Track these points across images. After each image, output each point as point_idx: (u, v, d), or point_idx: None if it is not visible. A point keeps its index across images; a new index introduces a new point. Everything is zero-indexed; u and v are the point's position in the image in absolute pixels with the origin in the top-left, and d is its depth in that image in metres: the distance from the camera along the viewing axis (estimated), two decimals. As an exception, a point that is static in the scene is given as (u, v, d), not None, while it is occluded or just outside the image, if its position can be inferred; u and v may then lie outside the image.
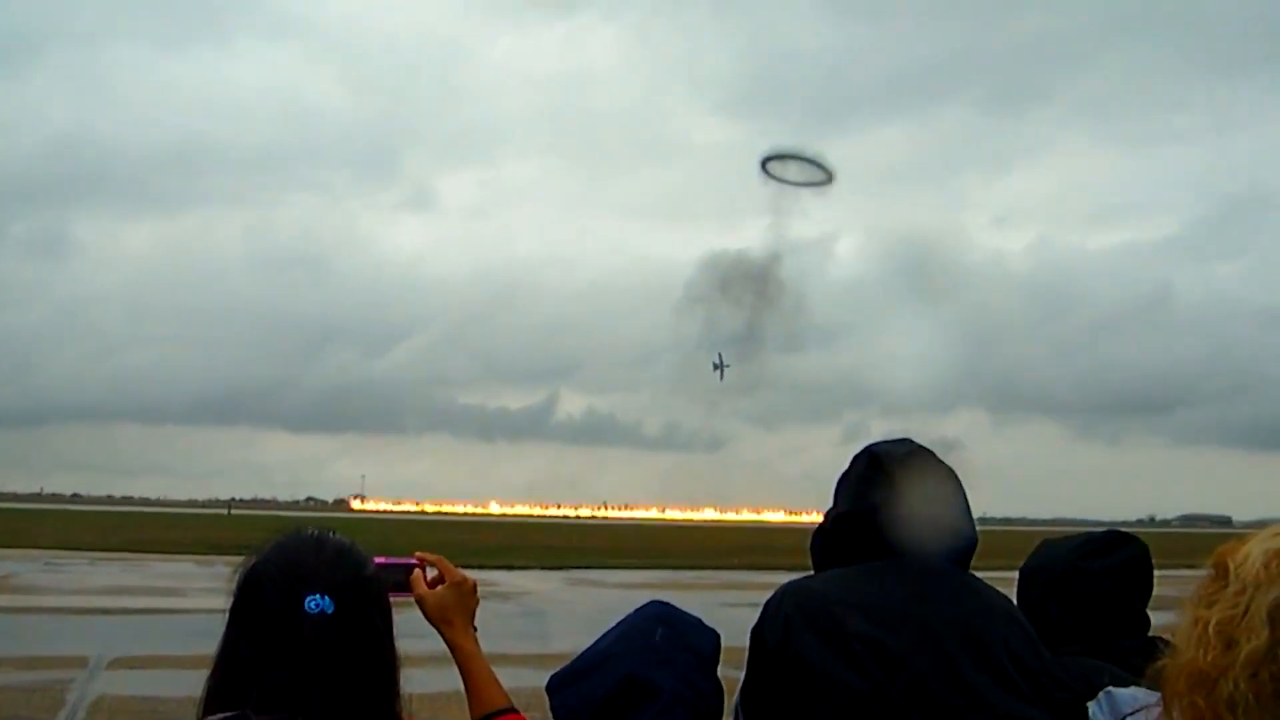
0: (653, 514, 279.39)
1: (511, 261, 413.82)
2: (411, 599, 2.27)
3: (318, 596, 1.85)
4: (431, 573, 2.32)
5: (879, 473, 2.35)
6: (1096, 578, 2.66)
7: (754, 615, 2.22)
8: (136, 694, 12.74)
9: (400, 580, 2.26)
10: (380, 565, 2.02)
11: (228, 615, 1.92)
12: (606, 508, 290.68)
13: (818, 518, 2.45)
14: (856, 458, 2.43)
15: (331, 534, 1.97)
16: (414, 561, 2.32)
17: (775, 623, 2.21)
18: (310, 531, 1.97)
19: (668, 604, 2.28)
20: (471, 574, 2.33)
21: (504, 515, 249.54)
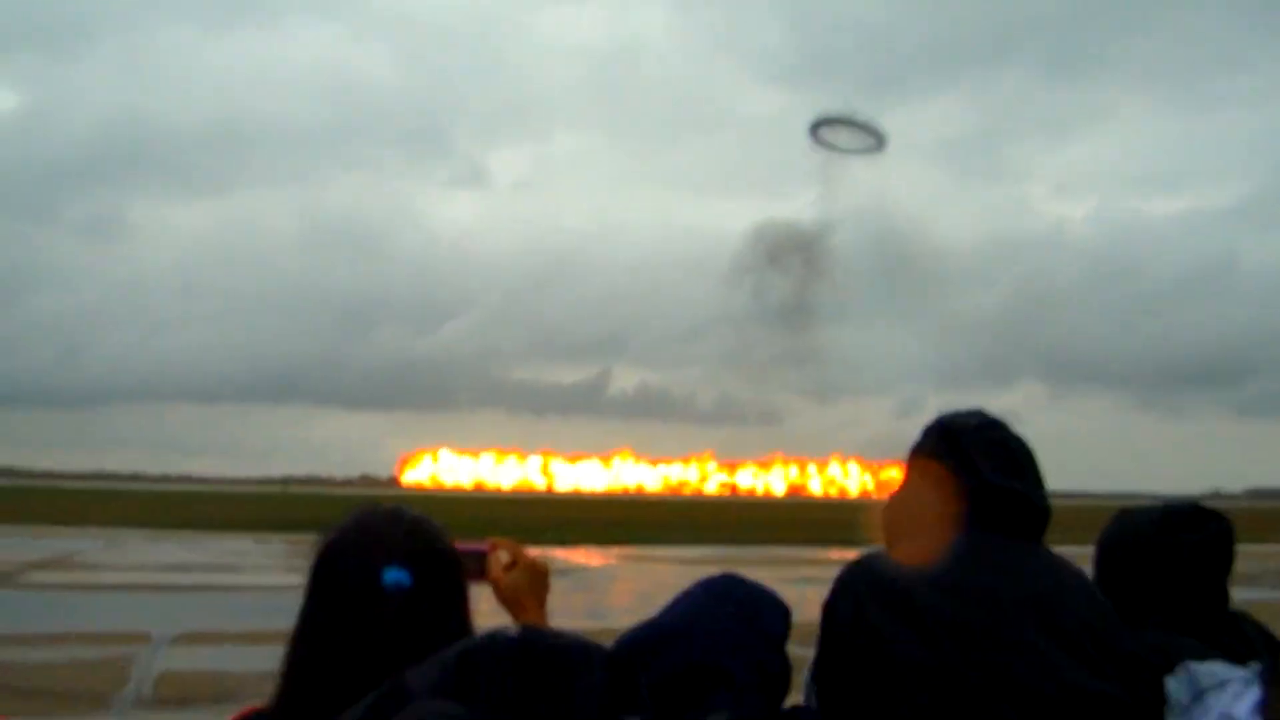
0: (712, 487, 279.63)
1: (562, 235, 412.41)
2: (486, 583, 2.27)
3: (394, 569, 1.87)
4: (504, 557, 2.33)
5: (950, 444, 2.33)
6: (1181, 551, 2.62)
7: (823, 592, 2.20)
8: (201, 669, 12.98)
9: (475, 566, 2.26)
10: (454, 547, 2.03)
11: (306, 589, 1.93)
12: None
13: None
14: (927, 429, 2.41)
15: (407, 508, 1.99)
16: (486, 548, 2.33)
17: (847, 597, 2.20)
18: (386, 507, 1.99)
19: (738, 577, 2.22)
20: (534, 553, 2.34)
21: (556, 490, 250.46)
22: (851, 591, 2.20)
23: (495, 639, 1.43)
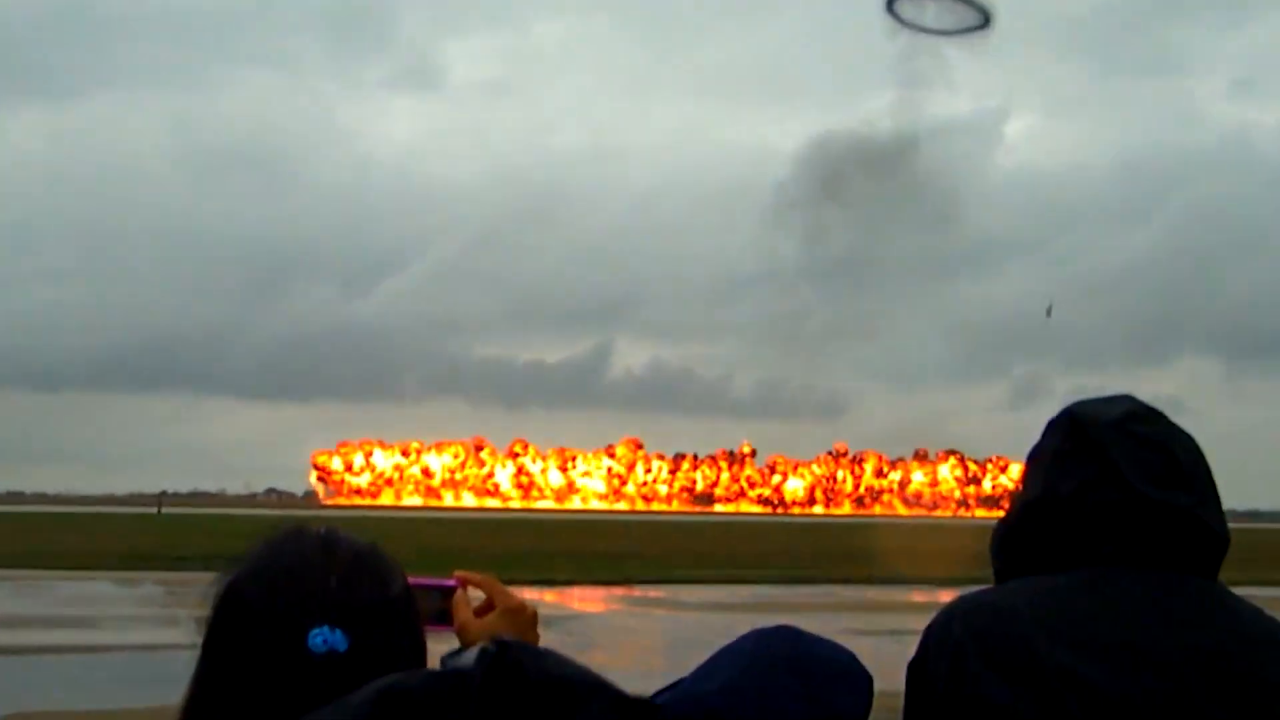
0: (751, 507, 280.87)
1: (545, 160, 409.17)
2: (451, 631, 2.25)
3: (326, 629, 1.77)
4: (477, 597, 2.31)
5: (1085, 444, 2.34)
6: None
7: (903, 648, 2.22)
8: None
9: (436, 608, 2.23)
10: (410, 588, 1.93)
11: (200, 653, 1.84)
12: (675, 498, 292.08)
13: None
14: (1053, 424, 2.42)
15: (343, 534, 1.90)
16: (453, 583, 2.30)
17: (943, 654, 2.22)
18: (315, 532, 1.89)
19: (798, 632, 2.20)
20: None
21: (536, 510, 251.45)
22: (949, 644, 2.22)
23: (443, 677, 1.41)
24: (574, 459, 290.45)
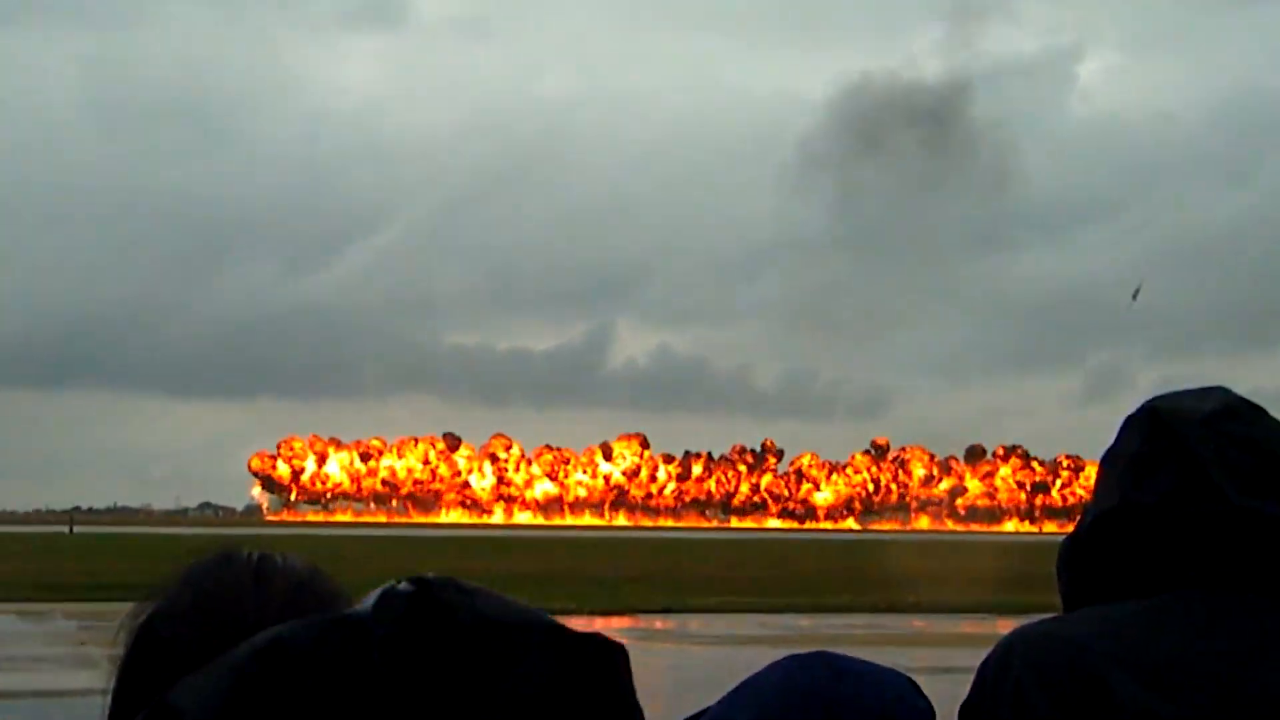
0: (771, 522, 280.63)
1: (530, 110, 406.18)
2: None
3: None
4: None
5: (1169, 446, 2.34)
6: None
7: (955, 688, 2.22)
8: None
9: None
10: None
11: (109, 701, 1.85)
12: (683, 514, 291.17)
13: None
14: (1132, 422, 2.42)
15: (280, 560, 1.91)
16: None
17: (1000, 694, 2.23)
18: (246, 558, 1.90)
19: (838, 664, 2.19)
20: None
21: (522, 526, 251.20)
22: (1007, 682, 2.23)
23: (339, 625, 1.39)
24: (566, 462, 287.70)
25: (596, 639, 1.42)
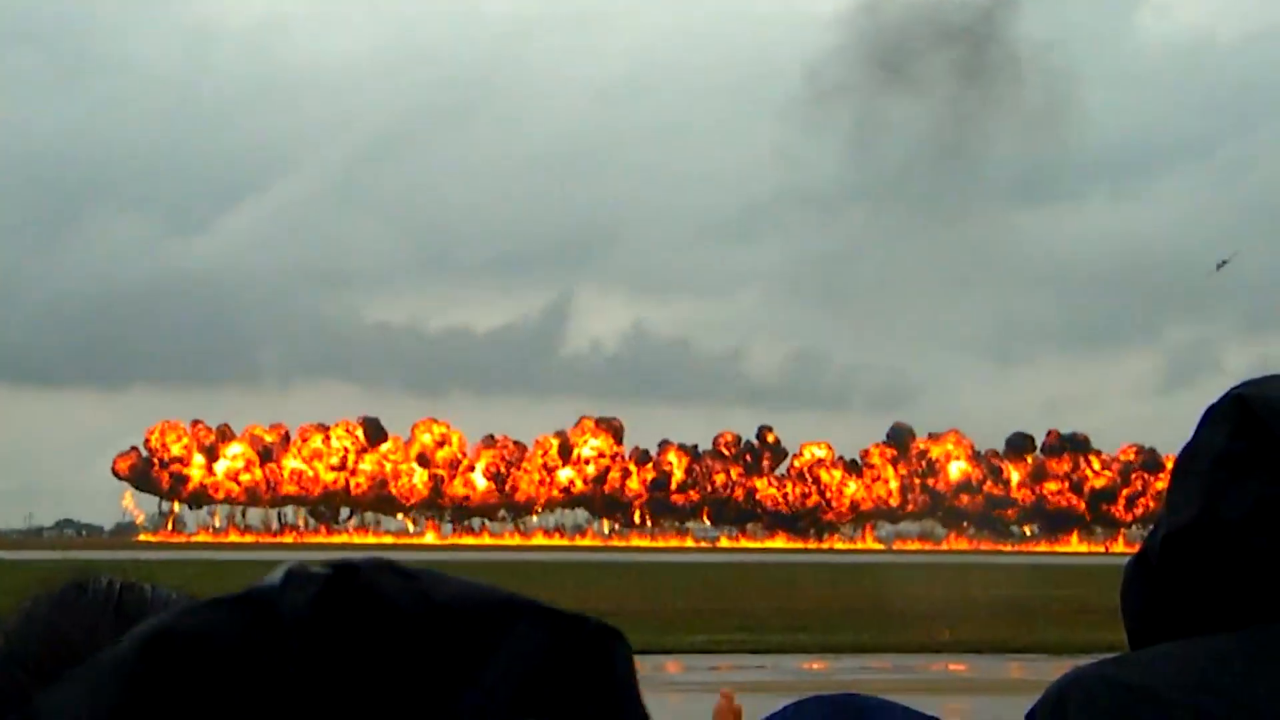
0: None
1: (472, 33, 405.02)
2: None
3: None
4: None
5: (1261, 442, 2.34)
6: None
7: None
8: None
9: None
10: None
11: None
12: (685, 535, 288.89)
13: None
14: (1215, 413, 2.42)
15: (148, 590, 1.90)
16: None
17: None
18: (105, 587, 1.89)
19: (863, 701, 2.21)
20: None
21: (460, 545, 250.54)
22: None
23: (240, 608, 1.37)
24: (513, 456, 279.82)
25: (590, 621, 1.40)
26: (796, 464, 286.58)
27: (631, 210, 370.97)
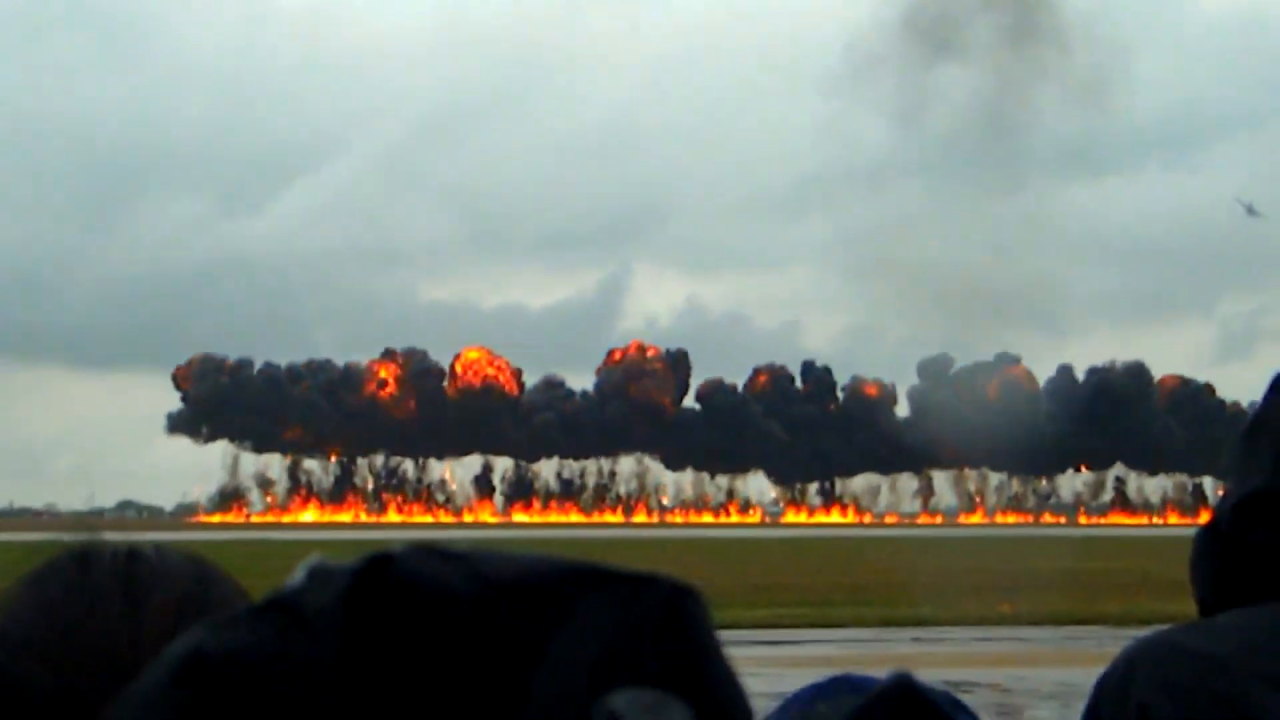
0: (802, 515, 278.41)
1: (519, 9, 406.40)
2: None
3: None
4: None
5: None
6: None
7: (1067, 715, 2.22)
8: None
9: None
10: None
11: None
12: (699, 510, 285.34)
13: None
14: (1277, 385, 2.41)
15: (155, 557, 1.85)
16: None
17: (1126, 703, 2.26)
18: (110, 559, 1.83)
19: (860, 681, 2.21)
20: None
21: (502, 522, 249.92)
22: (1129, 706, 2.26)
23: (284, 627, 1.29)
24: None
25: (662, 582, 1.35)
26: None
27: (683, 187, 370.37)
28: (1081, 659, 30.14)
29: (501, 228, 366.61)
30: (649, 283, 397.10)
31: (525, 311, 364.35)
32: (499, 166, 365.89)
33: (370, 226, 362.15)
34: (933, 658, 34.52)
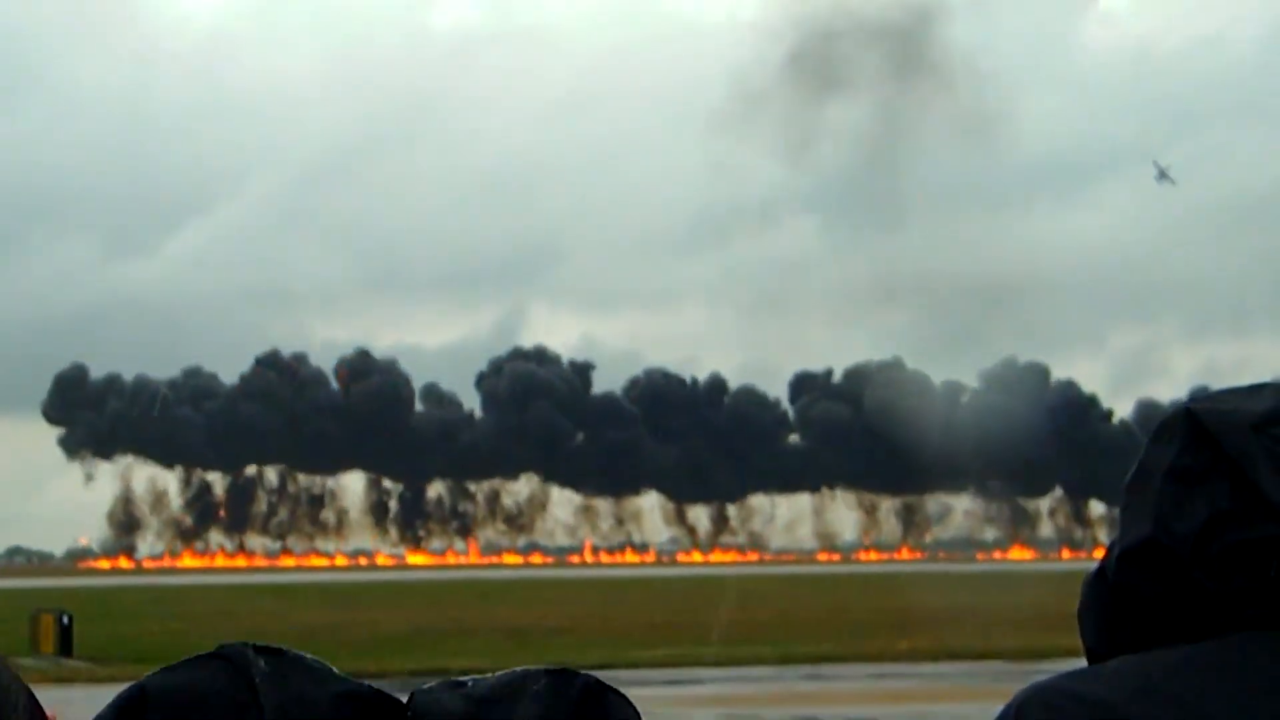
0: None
1: (418, 49, 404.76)
2: None
3: None
4: None
5: (1212, 457, 2.34)
6: None
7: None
8: None
9: None
10: None
11: None
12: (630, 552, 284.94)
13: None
14: (1165, 428, 2.40)
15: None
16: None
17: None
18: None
19: None
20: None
21: (414, 567, 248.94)
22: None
23: None
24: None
25: (578, 678, 1.41)
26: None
27: (579, 226, 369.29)
28: (978, 695, 30.29)
29: (396, 267, 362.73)
30: (544, 321, 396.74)
31: (421, 351, 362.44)
32: (393, 206, 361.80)
33: (263, 267, 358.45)
34: (831, 695, 34.59)
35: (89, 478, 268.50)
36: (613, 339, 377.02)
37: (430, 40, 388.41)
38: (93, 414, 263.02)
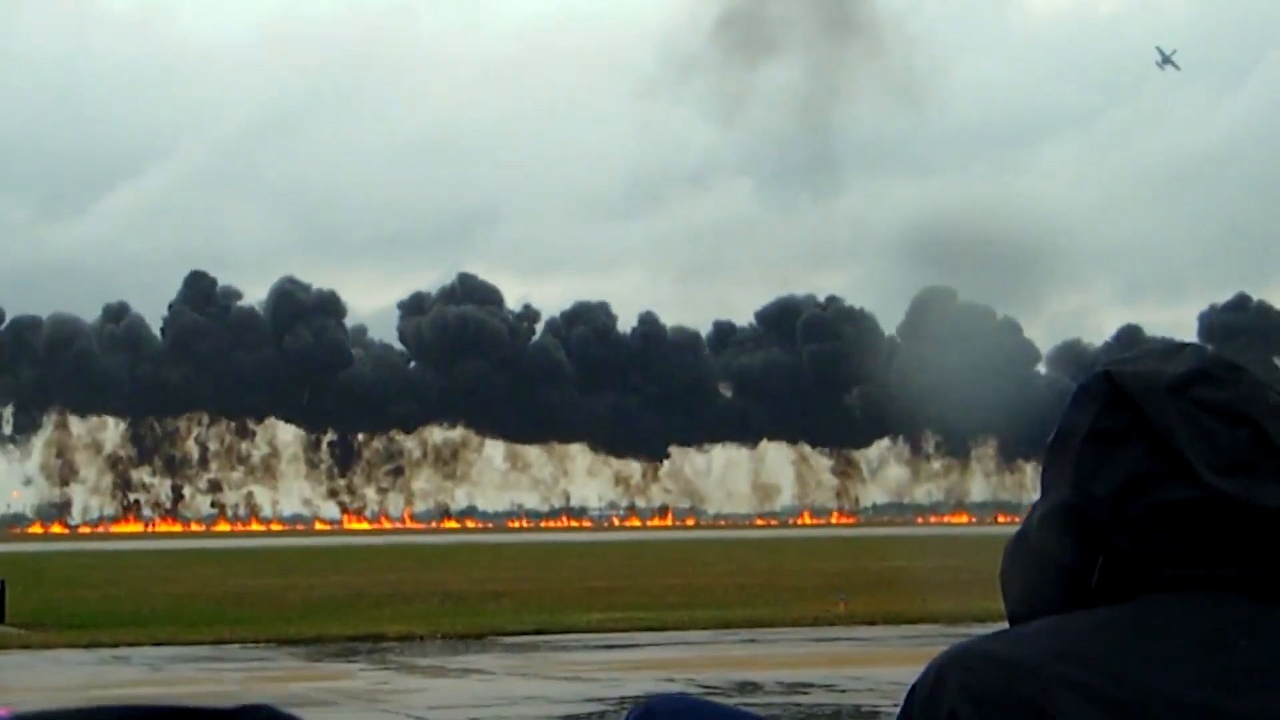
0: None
1: (351, 10, 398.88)
2: None
3: None
4: None
5: (1131, 420, 2.34)
6: None
7: (882, 711, 2.25)
8: None
9: None
10: None
11: None
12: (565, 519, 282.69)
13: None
14: (1084, 392, 2.41)
15: None
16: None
17: (933, 712, 2.27)
18: None
19: (680, 702, 2.21)
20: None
21: (349, 532, 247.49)
22: (940, 710, 2.27)
23: None
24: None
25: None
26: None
27: (516, 188, 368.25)
28: (915, 658, 30.35)
29: (332, 231, 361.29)
30: (481, 284, 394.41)
31: (356, 314, 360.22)
32: (329, 169, 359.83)
33: (197, 230, 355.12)
34: (768, 659, 34.62)
35: (15, 436, 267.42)
36: (549, 301, 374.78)
37: (366, 2, 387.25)
38: (20, 369, 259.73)
